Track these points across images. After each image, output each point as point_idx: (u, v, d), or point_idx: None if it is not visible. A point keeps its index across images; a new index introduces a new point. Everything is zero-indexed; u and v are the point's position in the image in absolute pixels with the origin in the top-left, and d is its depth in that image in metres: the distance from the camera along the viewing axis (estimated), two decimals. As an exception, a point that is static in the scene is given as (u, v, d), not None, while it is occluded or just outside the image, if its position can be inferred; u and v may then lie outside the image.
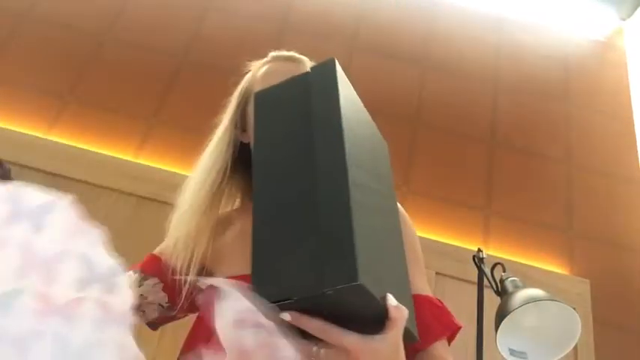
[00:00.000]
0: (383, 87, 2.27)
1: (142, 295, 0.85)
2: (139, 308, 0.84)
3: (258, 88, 0.95)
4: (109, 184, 1.87)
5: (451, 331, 0.78)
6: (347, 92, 0.63)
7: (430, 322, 0.77)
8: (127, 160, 1.95)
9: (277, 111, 0.63)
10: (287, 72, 0.93)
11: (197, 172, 0.93)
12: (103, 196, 1.86)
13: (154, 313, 0.86)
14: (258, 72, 0.97)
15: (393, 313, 0.53)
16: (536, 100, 2.41)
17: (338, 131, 0.56)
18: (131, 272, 0.86)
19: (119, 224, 1.81)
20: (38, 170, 1.84)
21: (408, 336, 0.59)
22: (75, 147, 1.94)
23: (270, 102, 0.65)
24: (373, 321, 0.53)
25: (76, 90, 2.09)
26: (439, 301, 0.82)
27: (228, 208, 0.97)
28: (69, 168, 1.88)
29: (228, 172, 0.92)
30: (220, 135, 0.95)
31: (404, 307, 0.54)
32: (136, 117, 2.07)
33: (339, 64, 0.62)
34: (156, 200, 1.87)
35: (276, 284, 0.51)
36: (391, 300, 0.53)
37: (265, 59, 0.99)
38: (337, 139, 0.56)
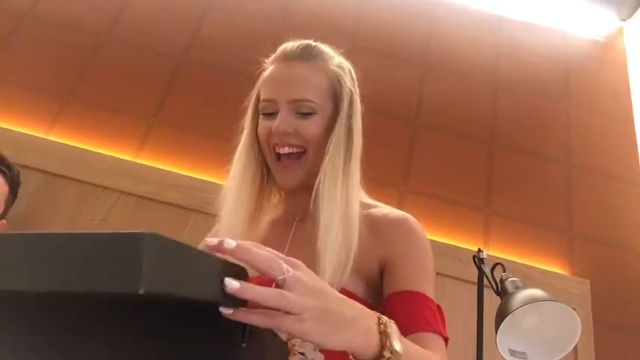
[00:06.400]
0: (383, 87, 2.26)
1: None
2: None
3: (261, 94, 0.91)
4: (109, 184, 1.87)
5: (433, 330, 0.75)
6: None
7: (412, 316, 0.75)
8: (127, 160, 1.95)
9: None
10: (291, 76, 0.88)
11: (234, 194, 0.91)
12: (103, 196, 1.85)
13: None
14: (265, 73, 0.93)
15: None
16: (536, 100, 2.41)
17: None
18: None
19: (119, 224, 1.81)
20: (38, 170, 1.84)
21: None
22: (75, 147, 1.93)
23: None
24: None
25: (76, 90, 2.08)
26: (437, 306, 0.80)
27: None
28: (69, 168, 1.87)
29: (264, 183, 0.93)
30: (246, 147, 0.93)
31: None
32: (136, 117, 2.07)
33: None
34: (156, 200, 1.86)
35: None
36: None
37: (274, 54, 0.94)
38: None
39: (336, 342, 0.51)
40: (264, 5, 2.39)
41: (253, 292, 0.46)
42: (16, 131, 1.92)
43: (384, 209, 0.90)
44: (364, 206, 0.88)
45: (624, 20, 2.69)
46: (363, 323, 0.54)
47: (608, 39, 2.65)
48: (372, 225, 0.86)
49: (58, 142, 1.93)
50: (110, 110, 2.06)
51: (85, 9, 2.26)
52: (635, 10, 2.63)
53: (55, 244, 0.37)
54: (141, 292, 0.33)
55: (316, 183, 0.84)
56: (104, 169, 1.89)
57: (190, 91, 2.15)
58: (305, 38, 0.96)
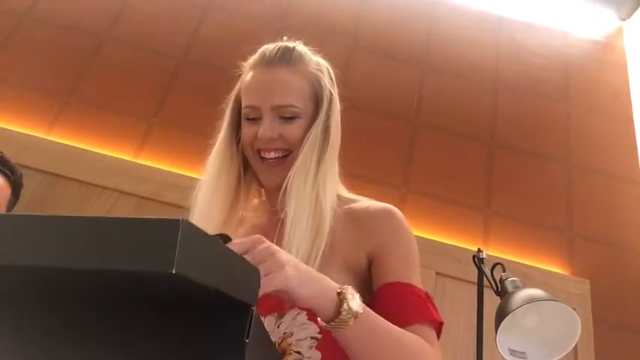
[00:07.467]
0: (383, 87, 2.26)
1: None
2: None
3: (243, 99, 0.92)
4: (109, 184, 1.87)
5: (424, 319, 0.77)
6: None
7: (403, 308, 0.77)
8: (127, 160, 1.95)
9: None
10: (274, 82, 0.89)
11: (208, 190, 0.92)
12: (103, 196, 1.86)
13: None
14: (245, 76, 0.94)
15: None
16: (536, 100, 2.41)
17: None
18: None
19: (119, 224, 1.80)
20: (38, 170, 1.84)
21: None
22: (75, 147, 1.94)
23: None
24: None
25: (76, 90, 2.08)
26: (425, 293, 0.82)
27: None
28: (69, 168, 1.88)
29: (241, 183, 0.94)
30: (224, 145, 0.95)
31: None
32: (136, 117, 2.07)
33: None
34: (156, 200, 1.87)
35: None
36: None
37: (253, 58, 0.95)
38: None
39: (306, 292, 0.63)
40: (264, 5, 2.39)
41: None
42: (16, 131, 1.92)
43: (364, 202, 0.91)
44: (345, 201, 0.90)
45: (624, 20, 2.69)
46: (325, 283, 0.67)
47: (608, 39, 2.66)
48: (354, 218, 0.87)
49: (58, 142, 1.94)
50: (110, 110, 2.06)
51: (85, 9, 2.26)
52: (635, 9, 2.63)
53: (96, 226, 0.40)
54: (174, 271, 0.36)
55: (285, 180, 0.85)
56: (104, 169, 1.89)
57: (190, 91, 2.15)
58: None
